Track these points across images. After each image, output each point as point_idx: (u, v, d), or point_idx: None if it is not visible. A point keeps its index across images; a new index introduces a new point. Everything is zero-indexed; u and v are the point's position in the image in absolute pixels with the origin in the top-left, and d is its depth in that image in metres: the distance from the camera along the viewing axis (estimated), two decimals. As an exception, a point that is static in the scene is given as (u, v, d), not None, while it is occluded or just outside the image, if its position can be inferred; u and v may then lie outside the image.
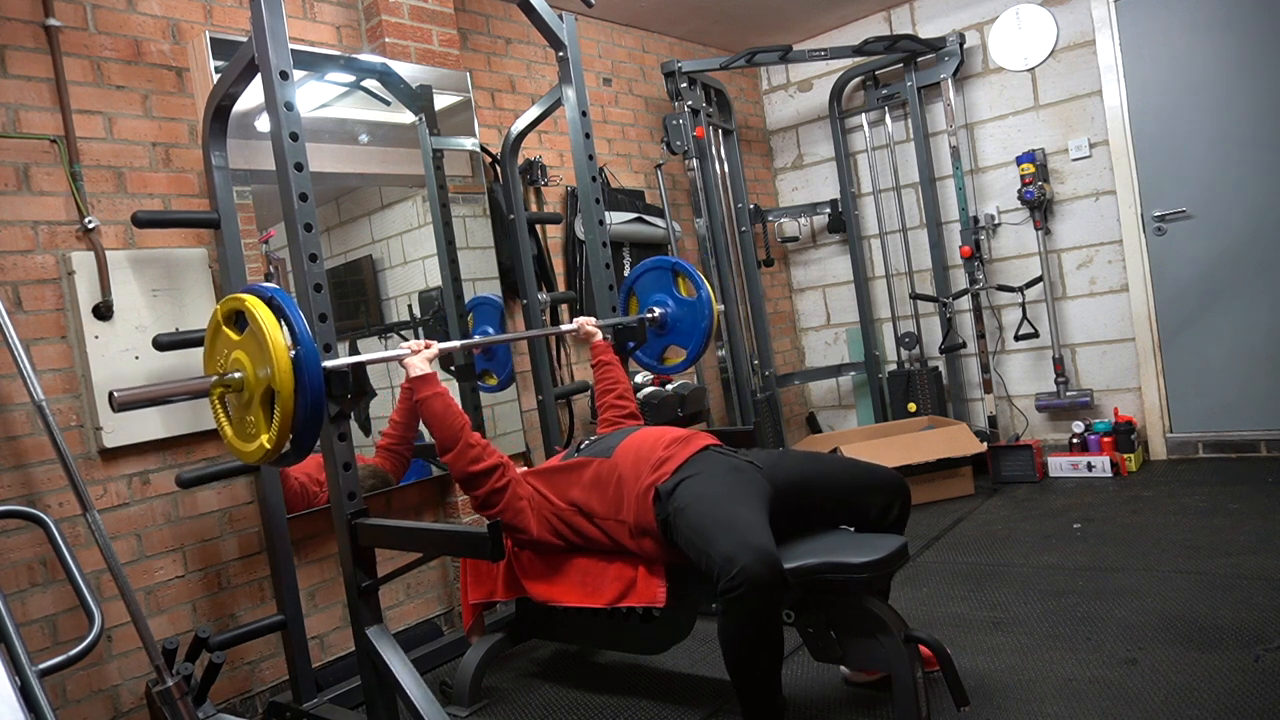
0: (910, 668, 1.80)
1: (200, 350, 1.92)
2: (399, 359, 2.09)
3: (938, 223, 4.47)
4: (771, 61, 4.35)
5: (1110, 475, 3.85)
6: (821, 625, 1.92)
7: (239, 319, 1.75)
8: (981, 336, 4.33)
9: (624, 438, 2.18)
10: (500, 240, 3.26)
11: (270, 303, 1.69)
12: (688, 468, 2.02)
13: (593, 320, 2.63)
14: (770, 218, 4.84)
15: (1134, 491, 3.58)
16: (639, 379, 3.64)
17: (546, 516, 2.16)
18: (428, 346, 2.12)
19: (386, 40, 2.93)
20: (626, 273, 3.63)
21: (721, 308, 4.05)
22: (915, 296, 4.51)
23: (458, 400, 3.04)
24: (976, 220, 4.35)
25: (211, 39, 2.42)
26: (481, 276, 3.19)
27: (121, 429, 2.25)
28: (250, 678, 2.49)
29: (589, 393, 3.58)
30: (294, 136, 1.91)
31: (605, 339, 2.64)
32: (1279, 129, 3.66)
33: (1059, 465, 4.00)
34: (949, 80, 4.29)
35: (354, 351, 2.84)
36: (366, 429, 2.85)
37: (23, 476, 2.12)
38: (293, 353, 1.66)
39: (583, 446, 2.27)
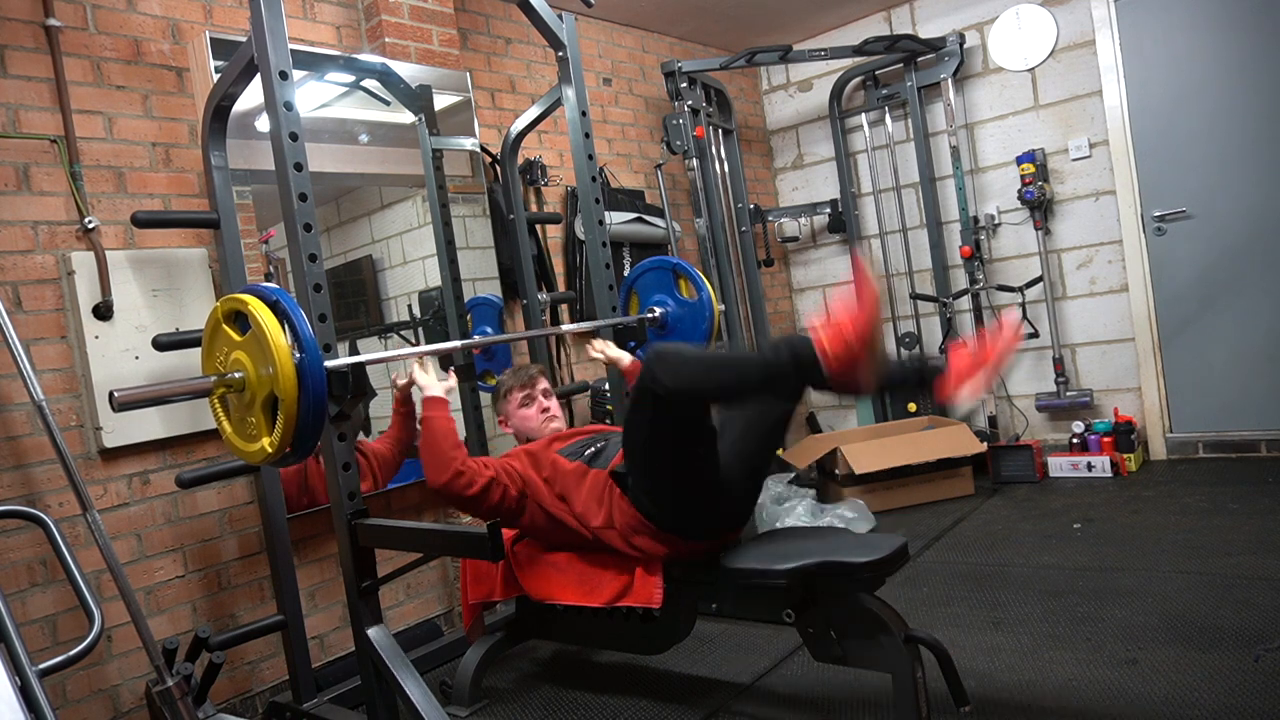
0: (910, 668, 1.80)
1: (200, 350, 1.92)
2: (415, 381, 2.16)
3: (938, 223, 4.47)
4: (771, 61, 4.35)
5: (1110, 475, 3.85)
6: (821, 625, 1.92)
7: (240, 319, 1.75)
8: (981, 336, 4.32)
9: (621, 449, 2.17)
10: (500, 240, 3.26)
11: (275, 306, 1.68)
12: None
13: (611, 344, 2.56)
14: (770, 218, 4.84)
15: (1134, 491, 3.58)
16: (639, 379, 3.64)
17: (544, 505, 2.17)
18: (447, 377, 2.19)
19: (386, 40, 2.93)
20: (626, 272, 3.63)
21: (722, 308, 4.05)
22: (915, 296, 4.51)
23: (457, 401, 3.06)
24: (976, 220, 4.35)
25: (211, 39, 2.42)
26: (481, 276, 3.19)
27: (121, 429, 2.25)
28: (250, 678, 2.49)
29: (589, 392, 3.58)
30: (294, 136, 1.91)
31: (634, 359, 2.56)
32: (1279, 129, 3.66)
33: (1059, 465, 4.00)
34: (949, 80, 4.29)
35: (354, 351, 2.84)
36: (367, 430, 2.85)
37: (23, 476, 2.12)
38: (296, 357, 1.65)
39: (587, 454, 2.23)
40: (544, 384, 2.49)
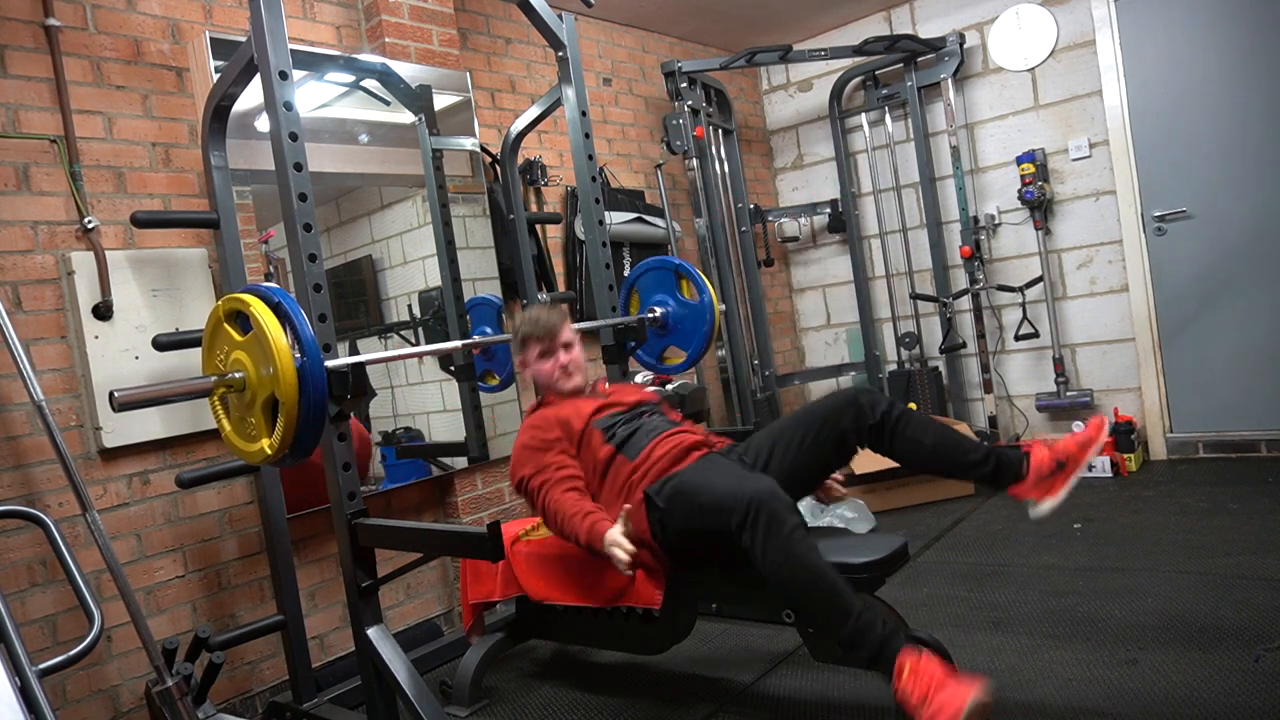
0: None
1: (200, 350, 1.92)
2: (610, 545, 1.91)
3: (938, 223, 4.47)
4: (771, 61, 4.35)
5: (1110, 475, 3.85)
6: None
7: (241, 319, 1.74)
8: (981, 336, 4.33)
9: (652, 439, 2.14)
10: (500, 240, 3.26)
11: (277, 308, 1.68)
12: (679, 472, 2.03)
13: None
14: (770, 218, 4.84)
15: (1134, 491, 3.58)
16: (639, 379, 3.64)
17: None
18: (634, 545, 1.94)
19: (386, 40, 2.93)
20: (626, 272, 3.63)
21: (722, 308, 4.06)
22: (915, 296, 4.51)
23: (457, 401, 3.06)
24: (976, 220, 4.35)
25: (211, 39, 2.42)
26: (481, 276, 3.19)
27: (121, 429, 2.25)
28: (250, 678, 2.49)
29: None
30: (293, 136, 1.91)
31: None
32: (1279, 129, 3.66)
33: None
34: (949, 80, 4.29)
35: (354, 352, 2.84)
36: (367, 428, 2.85)
37: (23, 476, 2.12)
38: (297, 358, 1.65)
39: (619, 435, 2.18)
40: (565, 336, 2.31)
